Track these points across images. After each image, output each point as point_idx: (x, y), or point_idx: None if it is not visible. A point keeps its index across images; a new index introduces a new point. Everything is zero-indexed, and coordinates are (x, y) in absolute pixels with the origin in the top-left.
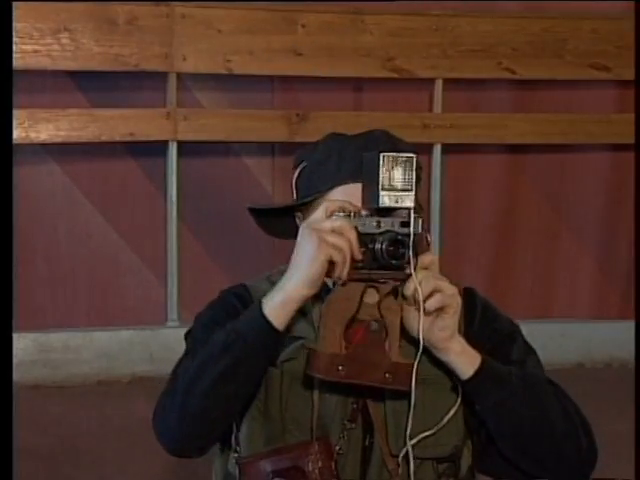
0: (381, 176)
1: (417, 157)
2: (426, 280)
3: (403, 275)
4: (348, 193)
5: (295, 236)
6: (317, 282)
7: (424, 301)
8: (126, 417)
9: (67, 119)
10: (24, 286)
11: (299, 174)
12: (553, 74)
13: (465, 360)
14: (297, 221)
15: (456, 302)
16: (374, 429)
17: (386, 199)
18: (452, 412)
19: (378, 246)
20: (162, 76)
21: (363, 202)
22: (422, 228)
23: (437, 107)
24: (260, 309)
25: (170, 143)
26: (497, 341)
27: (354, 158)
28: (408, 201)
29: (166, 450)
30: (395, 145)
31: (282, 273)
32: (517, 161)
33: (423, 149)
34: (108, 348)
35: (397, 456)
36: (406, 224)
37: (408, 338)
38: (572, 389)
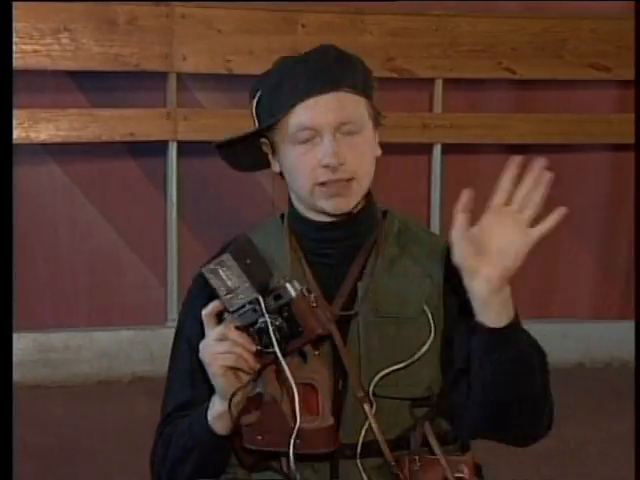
0: (218, 288)
1: (230, 256)
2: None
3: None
4: (308, 109)
5: (265, 166)
6: (227, 394)
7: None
8: (126, 417)
9: (67, 119)
10: (24, 286)
11: (257, 102)
12: (553, 74)
13: (500, 312)
14: (264, 149)
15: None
16: (347, 372)
17: (233, 303)
18: (425, 348)
19: (259, 333)
20: (162, 76)
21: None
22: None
23: (437, 107)
24: (206, 421)
25: (170, 143)
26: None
27: (307, 74)
28: (249, 293)
29: None
30: (343, 60)
31: (258, 226)
32: None
33: (423, 149)
34: (108, 348)
35: (375, 396)
36: (279, 296)
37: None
38: (572, 389)
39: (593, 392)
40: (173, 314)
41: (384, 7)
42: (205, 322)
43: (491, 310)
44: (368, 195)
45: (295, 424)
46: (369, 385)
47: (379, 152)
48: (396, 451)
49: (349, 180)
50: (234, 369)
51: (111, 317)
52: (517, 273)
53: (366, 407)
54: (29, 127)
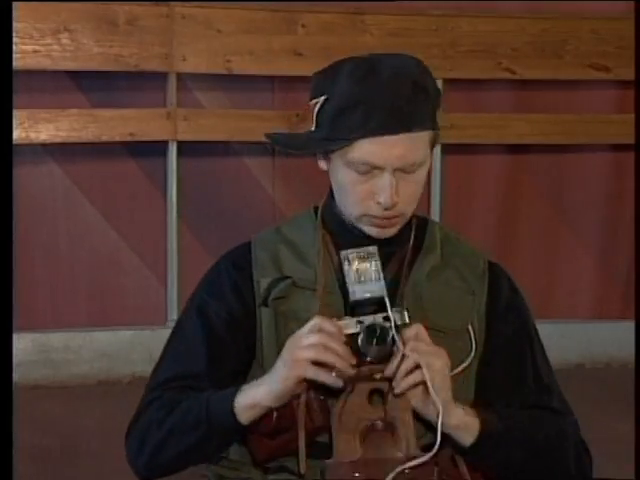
0: (347, 273)
1: (377, 248)
2: (407, 359)
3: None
4: (375, 146)
5: (312, 154)
6: (284, 398)
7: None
8: (126, 417)
9: (67, 119)
10: (24, 286)
11: (321, 108)
12: (553, 74)
13: (462, 433)
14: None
15: (440, 374)
16: None
17: (357, 293)
18: (464, 365)
19: (359, 342)
20: (162, 76)
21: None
22: (408, 318)
23: None
24: (232, 404)
25: (170, 143)
26: (518, 332)
27: (382, 108)
28: (379, 290)
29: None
30: (419, 91)
31: (289, 220)
32: (517, 161)
33: None
34: (108, 348)
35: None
36: (387, 318)
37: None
38: (572, 389)
39: (593, 392)
40: (173, 314)
41: (384, 7)
42: (307, 329)
43: (455, 434)
44: None
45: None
46: None
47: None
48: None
49: (397, 217)
50: (319, 365)
51: (111, 317)
52: (517, 273)
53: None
54: (29, 127)
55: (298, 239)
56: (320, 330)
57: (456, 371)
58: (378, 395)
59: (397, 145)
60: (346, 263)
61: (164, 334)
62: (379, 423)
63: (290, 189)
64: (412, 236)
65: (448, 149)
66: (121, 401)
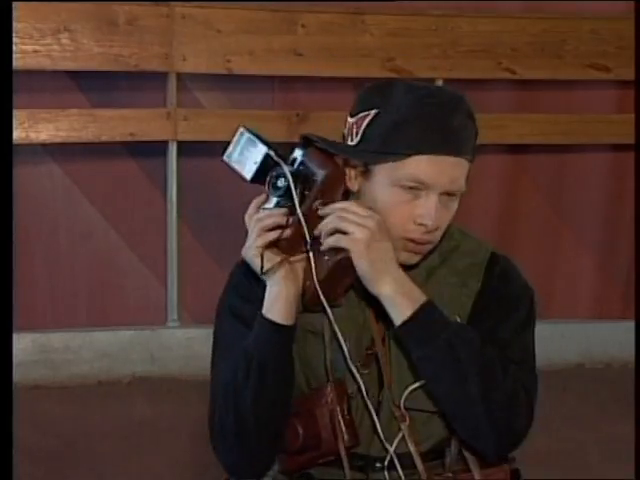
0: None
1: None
2: (330, 220)
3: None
4: (428, 165)
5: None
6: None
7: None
8: (126, 417)
9: (67, 119)
10: (24, 286)
11: (372, 120)
12: (553, 74)
13: (395, 307)
14: (352, 164)
15: (359, 246)
16: (383, 375)
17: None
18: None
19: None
20: (162, 76)
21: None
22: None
23: None
24: (262, 316)
25: (170, 143)
26: (501, 307)
27: (440, 126)
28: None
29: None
30: (470, 121)
31: None
32: (517, 161)
33: None
34: (108, 348)
35: (397, 406)
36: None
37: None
38: (572, 390)
39: (593, 393)
40: (173, 314)
41: (384, 7)
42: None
43: (387, 307)
44: None
45: None
46: (400, 398)
47: None
48: (429, 463)
49: (431, 242)
50: (269, 247)
51: (111, 317)
52: None
53: (399, 421)
54: (29, 127)
55: None
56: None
57: (414, 386)
58: None
59: (450, 167)
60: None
61: (164, 334)
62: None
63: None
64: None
65: None
66: (121, 401)
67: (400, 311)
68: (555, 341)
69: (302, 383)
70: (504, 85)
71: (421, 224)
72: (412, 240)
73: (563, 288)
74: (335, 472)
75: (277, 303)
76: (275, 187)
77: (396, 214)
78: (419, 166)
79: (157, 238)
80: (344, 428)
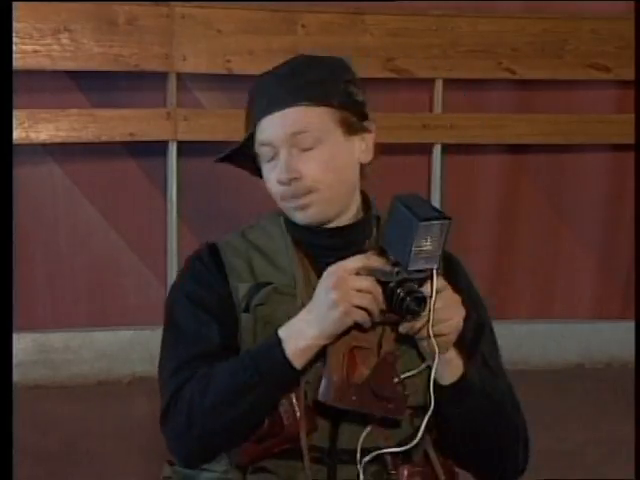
0: (415, 244)
1: (450, 221)
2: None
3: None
4: (264, 126)
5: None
6: (334, 337)
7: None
8: (126, 417)
9: (67, 119)
10: (24, 286)
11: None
12: (553, 74)
13: (450, 369)
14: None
15: (456, 329)
16: None
17: (414, 263)
18: (436, 362)
19: (396, 296)
20: (162, 76)
21: (385, 245)
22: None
23: (437, 107)
24: (282, 352)
25: (170, 143)
26: (472, 327)
27: (270, 91)
28: (434, 262)
29: (177, 461)
30: (305, 68)
31: (254, 226)
32: (517, 161)
33: (423, 149)
34: (108, 348)
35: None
36: (423, 280)
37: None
38: (572, 390)
39: (593, 393)
40: None
41: (384, 7)
42: (349, 268)
43: (441, 368)
44: (366, 202)
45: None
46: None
47: (367, 158)
48: (397, 458)
49: (308, 193)
50: (361, 315)
51: (111, 317)
52: (517, 273)
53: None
54: (29, 127)
55: (268, 246)
56: (369, 293)
57: (425, 364)
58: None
59: (282, 120)
60: (418, 233)
61: None
62: (390, 355)
63: None
64: (374, 232)
65: (448, 149)
66: (121, 401)
67: (453, 373)
68: (555, 341)
69: None
70: (504, 85)
71: (280, 182)
72: (287, 199)
73: (563, 288)
74: (292, 464)
75: (310, 352)
76: (408, 308)
77: (270, 184)
78: (259, 132)
79: (157, 238)
80: (299, 413)
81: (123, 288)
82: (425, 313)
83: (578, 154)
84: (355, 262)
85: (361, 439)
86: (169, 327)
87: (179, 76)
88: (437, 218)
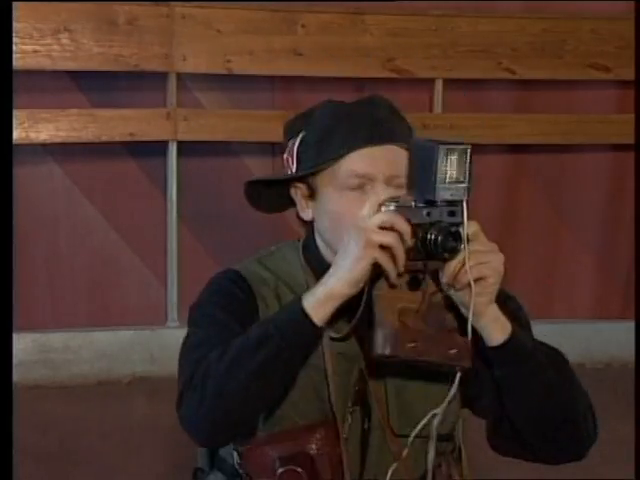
0: (438, 169)
1: (472, 147)
2: (470, 258)
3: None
4: (363, 158)
5: (286, 208)
6: (360, 282)
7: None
8: (126, 417)
9: (67, 119)
10: (24, 286)
11: (300, 143)
12: (553, 74)
13: (497, 327)
14: (293, 192)
15: (497, 272)
16: (371, 411)
17: (441, 193)
18: (454, 389)
19: (430, 237)
20: (162, 76)
21: (410, 188)
22: (468, 215)
23: (437, 107)
24: (300, 304)
25: (170, 143)
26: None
27: (366, 123)
28: (462, 193)
29: (194, 440)
30: (395, 111)
31: (272, 254)
32: (517, 161)
33: None
34: (108, 348)
35: (401, 436)
36: (453, 213)
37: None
38: None
39: (593, 393)
40: (173, 314)
41: (384, 7)
42: (370, 205)
43: (489, 327)
44: None
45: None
46: (399, 429)
47: None
48: None
49: None
50: (384, 256)
51: (111, 317)
52: (517, 273)
53: (404, 451)
54: (29, 127)
55: (290, 277)
56: (392, 226)
57: (452, 394)
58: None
59: (385, 156)
60: (440, 157)
61: (164, 334)
62: (440, 295)
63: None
64: None
65: None
66: (121, 401)
67: (502, 330)
68: (555, 341)
69: (276, 411)
70: (504, 85)
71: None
72: None
73: (563, 288)
74: None
75: (330, 303)
76: (444, 245)
77: (350, 216)
78: (354, 161)
79: (157, 238)
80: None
81: (123, 288)
82: (462, 250)
83: (578, 154)
84: (381, 215)
85: (390, 473)
86: (195, 329)
87: (179, 76)
88: (457, 144)
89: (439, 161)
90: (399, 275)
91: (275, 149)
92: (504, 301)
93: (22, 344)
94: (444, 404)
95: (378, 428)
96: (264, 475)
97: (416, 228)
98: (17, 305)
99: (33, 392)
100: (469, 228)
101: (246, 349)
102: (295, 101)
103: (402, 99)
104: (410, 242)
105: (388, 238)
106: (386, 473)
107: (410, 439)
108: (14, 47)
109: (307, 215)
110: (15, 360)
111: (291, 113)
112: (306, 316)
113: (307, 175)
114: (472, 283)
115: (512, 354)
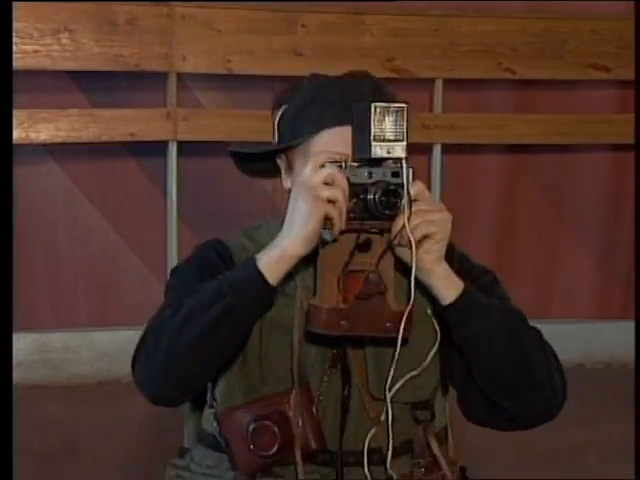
0: (373, 127)
1: (408, 106)
2: (414, 216)
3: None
4: (334, 137)
5: (274, 175)
6: (313, 240)
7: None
8: (126, 417)
9: (67, 119)
10: (24, 286)
11: (281, 116)
12: (553, 74)
13: (448, 284)
14: (279, 162)
15: (443, 229)
16: (351, 375)
17: (378, 150)
18: (434, 350)
19: (370, 196)
20: (162, 76)
21: (353, 152)
22: (412, 176)
23: (437, 107)
24: (254, 263)
25: (170, 143)
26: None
27: (339, 102)
28: (400, 151)
29: (145, 397)
30: (378, 90)
31: (258, 228)
32: (517, 161)
33: (423, 149)
34: (108, 348)
35: (379, 400)
36: (397, 174)
37: (400, 279)
38: (572, 390)
39: (593, 393)
40: None
41: (384, 7)
42: (312, 164)
43: (439, 285)
44: None
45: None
46: (378, 393)
47: None
48: (400, 456)
49: None
50: (334, 210)
51: (111, 317)
52: (517, 273)
53: (374, 422)
54: (29, 127)
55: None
56: (333, 182)
57: (429, 358)
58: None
59: None
60: (373, 114)
61: None
62: (373, 275)
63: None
64: None
65: (448, 149)
66: (121, 401)
67: (453, 287)
68: (555, 341)
69: (256, 378)
70: (504, 85)
71: None
72: None
73: (563, 288)
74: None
75: (284, 263)
76: (383, 202)
77: None
78: (326, 140)
79: (157, 238)
80: (311, 433)
81: (123, 288)
82: (404, 208)
83: (578, 154)
84: (324, 171)
85: (367, 440)
86: (167, 294)
87: (179, 76)
88: (393, 102)
89: (372, 119)
90: (348, 233)
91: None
92: (461, 261)
93: (22, 344)
94: (421, 367)
95: (357, 393)
96: (239, 436)
97: (358, 187)
98: (17, 305)
99: (33, 392)
100: (412, 188)
101: (199, 305)
102: None
103: (402, 99)
104: (350, 201)
105: (334, 192)
106: (365, 439)
107: (388, 400)
108: (14, 47)
109: (286, 185)
110: (15, 360)
111: None
112: (260, 274)
113: (284, 149)
114: (412, 240)
115: (465, 312)
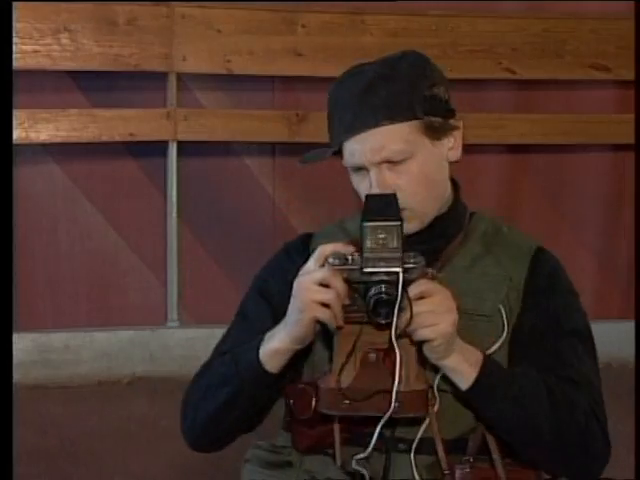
0: (365, 245)
1: (402, 223)
2: (414, 321)
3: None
4: (349, 149)
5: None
6: (305, 340)
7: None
8: (126, 417)
9: (67, 119)
10: (24, 286)
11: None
12: (553, 74)
13: (457, 377)
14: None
15: (441, 335)
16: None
17: (370, 265)
18: (497, 345)
19: (367, 300)
20: (162, 76)
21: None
22: (421, 271)
23: None
24: (257, 350)
25: (170, 143)
26: (545, 320)
27: (347, 110)
28: (395, 264)
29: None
30: (382, 79)
31: (353, 217)
32: (517, 161)
33: None
34: (108, 348)
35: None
36: (393, 283)
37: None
38: None
39: None
40: (173, 314)
41: (384, 7)
42: (315, 257)
43: (451, 376)
44: (455, 199)
45: (393, 387)
46: (434, 379)
47: (456, 156)
48: (453, 453)
49: (402, 210)
50: (325, 313)
51: (111, 317)
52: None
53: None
54: (29, 127)
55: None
56: (328, 285)
57: (490, 351)
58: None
59: (369, 140)
60: (366, 234)
61: (164, 334)
62: (371, 355)
63: (290, 189)
64: (459, 231)
65: None
66: (121, 401)
67: (465, 377)
68: None
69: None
70: (504, 85)
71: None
72: None
73: None
74: (351, 450)
75: (281, 355)
76: (375, 310)
77: (360, 193)
78: (346, 152)
79: (157, 238)
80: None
81: (123, 288)
82: (398, 317)
83: (578, 154)
84: (319, 273)
85: (421, 430)
86: (235, 315)
87: (179, 76)
88: (385, 220)
89: (365, 238)
90: (347, 324)
91: (275, 149)
92: (551, 276)
93: (22, 344)
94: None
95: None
96: (303, 393)
97: (358, 285)
98: (17, 305)
99: (33, 392)
100: (419, 287)
101: (214, 384)
102: (295, 101)
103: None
104: (347, 300)
105: (326, 296)
106: (418, 428)
107: (435, 386)
108: (14, 47)
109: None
110: (15, 360)
111: (291, 113)
112: (260, 365)
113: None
114: (397, 350)
115: (481, 398)
